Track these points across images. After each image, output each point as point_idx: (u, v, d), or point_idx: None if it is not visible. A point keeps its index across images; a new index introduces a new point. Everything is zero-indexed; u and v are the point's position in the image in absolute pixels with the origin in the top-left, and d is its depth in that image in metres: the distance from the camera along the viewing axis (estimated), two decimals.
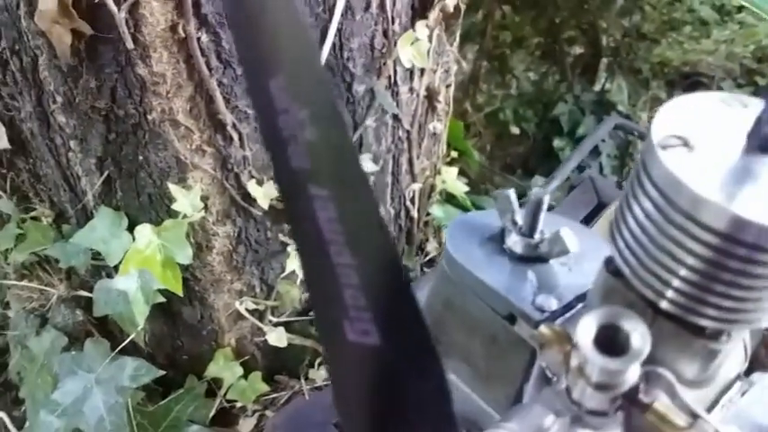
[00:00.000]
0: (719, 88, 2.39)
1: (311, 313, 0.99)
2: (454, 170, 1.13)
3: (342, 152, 0.22)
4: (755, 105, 0.23)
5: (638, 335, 0.22)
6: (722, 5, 2.47)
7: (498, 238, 0.34)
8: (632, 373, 0.24)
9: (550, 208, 1.07)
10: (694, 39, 2.52)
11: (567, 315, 0.30)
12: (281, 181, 0.22)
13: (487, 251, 0.33)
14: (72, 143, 0.81)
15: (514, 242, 0.33)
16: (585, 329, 0.23)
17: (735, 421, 0.27)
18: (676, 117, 0.24)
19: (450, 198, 1.18)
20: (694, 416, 0.25)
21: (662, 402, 0.25)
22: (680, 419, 0.25)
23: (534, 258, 0.33)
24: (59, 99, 0.77)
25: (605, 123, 1.16)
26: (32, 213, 0.95)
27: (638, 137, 1.23)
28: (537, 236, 0.33)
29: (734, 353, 0.29)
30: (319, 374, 1.02)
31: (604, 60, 2.37)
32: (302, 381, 1.03)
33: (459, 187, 1.13)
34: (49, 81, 0.76)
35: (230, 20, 0.23)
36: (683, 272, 0.23)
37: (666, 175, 0.22)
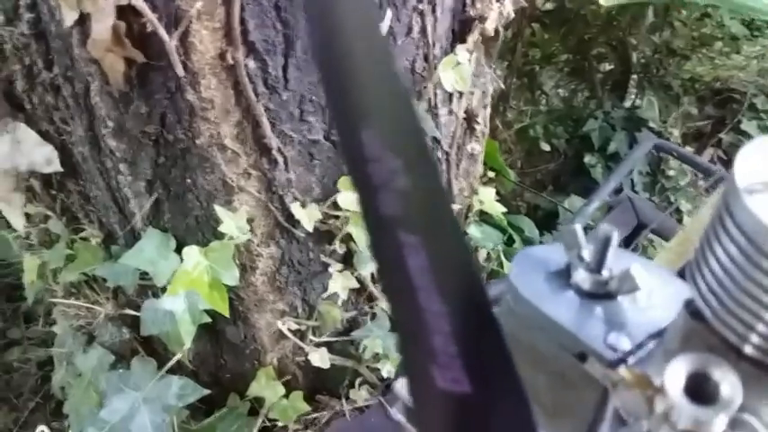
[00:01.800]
0: (751, 104, 2.36)
1: (352, 334, 1.00)
2: (492, 191, 1.13)
3: (434, 200, 0.22)
4: None
5: (729, 384, 0.23)
6: (752, 21, 2.44)
7: (565, 274, 0.34)
8: (720, 422, 0.24)
9: (589, 228, 1.06)
10: (725, 54, 2.50)
11: (640, 354, 0.30)
12: (371, 227, 0.22)
13: (554, 286, 0.34)
14: (122, 166, 0.83)
15: (582, 278, 0.33)
16: (675, 376, 0.23)
17: None
18: (760, 159, 0.24)
19: (486, 217, 1.18)
20: None
21: None
22: None
23: (602, 295, 0.33)
24: (110, 124, 0.79)
25: (642, 145, 1.15)
26: (82, 234, 0.97)
27: (676, 157, 1.22)
28: (605, 272, 0.33)
29: None
30: (360, 395, 1.03)
31: (634, 76, 2.36)
32: (343, 401, 1.03)
33: (497, 207, 1.13)
34: (100, 106, 0.78)
35: (322, 67, 0.23)
36: (767, 316, 0.23)
37: (754, 220, 0.22)
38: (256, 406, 1.02)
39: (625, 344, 0.31)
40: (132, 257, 0.87)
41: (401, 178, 0.21)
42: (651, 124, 2.25)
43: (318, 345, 0.99)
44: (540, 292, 0.34)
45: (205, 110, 0.74)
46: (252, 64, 0.72)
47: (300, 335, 0.99)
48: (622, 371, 0.27)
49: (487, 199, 1.11)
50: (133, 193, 0.86)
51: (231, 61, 0.71)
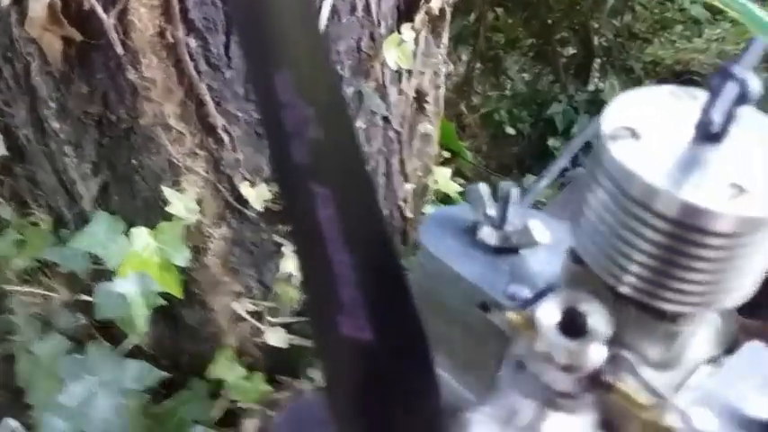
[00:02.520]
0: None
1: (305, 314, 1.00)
2: (447, 170, 1.14)
3: (347, 152, 0.22)
4: (703, 97, 0.24)
5: (598, 316, 0.24)
6: (713, 4, 2.47)
7: (471, 231, 0.35)
8: (596, 355, 0.25)
9: (540, 205, 1.08)
10: (686, 38, 2.53)
11: (539, 303, 0.31)
12: (281, 175, 0.22)
13: (461, 243, 0.35)
14: (66, 148, 0.82)
15: (487, 234, 0.34)
16: (548, 313, 0.24)
17: (704, 402, 0.28)
18: (626, 110, 0.25)
19: (444, 198, 1.19)
20: (657, 395, 0.26)
21: (626, 383, 0.26)
22: (643, 399, 0.26)
23: (507, 250, 0.34)
24: (52, 105, 0.78)
25: (595, 121, 1.17)
26: (31, 219, 0.96)
27: None
28: (509, 227, 0.34)
29: (701, 337, 0.30)
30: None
31: (597, 60, 2.38)
32: (304, 381, 1.04)
33: (453, 187, 1.14)
34: (41, 87, 0.77)
35: (236, 7, 0.22)
36: (639, 257, 0.24)
37: (617, 165, 0.23)
38: (217, 389, 1.02)
39: (524, 293, 0.32)
40: (82, 241, 0.87)
41: (313, 127, 0.21)
42: None
43: (276, 325, 0.99)
44: (447, 248, 0.35)
45: (147, 89, 0.73)
46: (193, 42, 0.72)
47: (258, 316, 0.99)
48: (510, 314, 0.28)
49: (443, 178, 1.12)
50: (79, 175, 0.85)
51: (171, 39, 0.71)
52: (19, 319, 1.12)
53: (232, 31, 0.72)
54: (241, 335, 1.02)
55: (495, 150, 2.35)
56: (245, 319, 0.98)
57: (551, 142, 2.21)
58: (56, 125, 0.80)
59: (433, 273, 0.35)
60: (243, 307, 0.98)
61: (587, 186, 0.26)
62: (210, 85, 0.75)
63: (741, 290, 0.25)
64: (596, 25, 2.33)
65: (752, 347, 0.30)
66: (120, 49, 0.69)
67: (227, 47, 0.73)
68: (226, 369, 1.01)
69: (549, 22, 2.32)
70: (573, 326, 0.24)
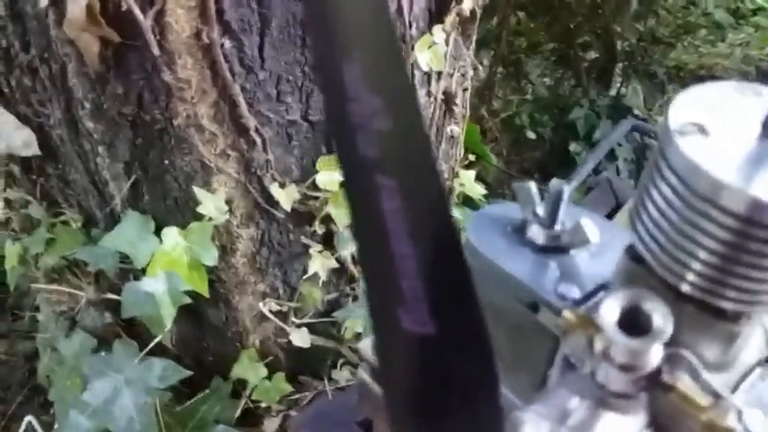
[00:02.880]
0: None
1: (333, 314, 1.00)
2: (472, 173, 1.14)
3: (414, 143, 0.21)
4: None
5: (660, 315, 0.23)
6: (737, 8, 2.45)
7: (520, 230, 0.35)
8: (655, 355, 0.25)
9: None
10: (710, 42, 2.51)
11: (590, 303, 0.31)
12: (346, 167, 0.21)
13: (509, 242, 0.35)
14: (100, 148, 0.83)
15: (536, 233, 0.34)
16: (609, 311, 0.24)
17: (756, 405, 0.27)
18: (692, 105, 0.25)
19: (467, 201, 1.19)
20: (717, 396, 0.26)
21: (685, 383, 0.26)
22: (702, 399, 0.26)
23: (556, 249, 0.34)
24: (87, 105, 0.79)
25: (621, 126, 1.17)
26: (62, 218, 0.97)
27: (654, 139, 1.23)
28: (558, 227, 0.34)
29: (754, 338, 0.30)
30: (342, 375, 1.03)
31: (619, 65, 2.37)
32: (325, 381, 1.04)
33: (477, 190, 1.14)
34: (77, 88, 0.78)
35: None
36: (703, 255, 0.24)
37: (685, 161, 0.23)
38: (239, 388, 1.02)
39: (575, 293, 0.32)
40: (112, 240, 0.87)
41: (381, 119, 0.20)
42: (636, 112, 2.26)
43: (300, 326, 0.99)
44: (495, 247, 0.35)
45: (182, 90, 0.74)
46: (228, 43, 0.73)
47: (282, 316, 0.99)
48: (566, 313, 0.28)
49: (468, 181, 1.12)
50: (112, 175, 0.86)
51: (207, 41, 0.71)
52: (44, 316, 1.14)
53: (266, 32, 0.72)
54: (264, 335, 1.03)
55: (516, 155, 2.35)
56: (269, 319, 0.99)
57: (573, 147, 2.20)
58: (90, 125, 0.81)
59: (481, 271, 0.35)
60: (268, 307, 0.98)
61: (649, 182, 0.26)
62: (244, 87, 0.75)
63: None
64: (619, 29, 2.31)
65: None
66: (156, 51, 0.70)
67: (261, 48, 0.73)
68: (248, 369, 1.02)
69: (571, 26, 2.31)
70: (634, 324, 0.24)
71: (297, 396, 1.05)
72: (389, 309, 0.21)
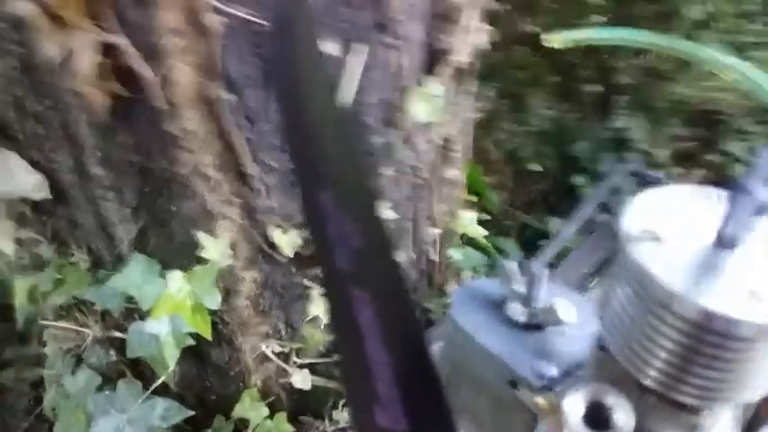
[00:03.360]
0: (738, 126, 2.39)
1: (335, 356, 1.02)
2: (473, 214, 1.16)
3: (383, 260, 0.24)
4: (723, 198, 0.26)
5: (622, 411, 0.25)
6: (741, 43, 2.47)
7: (500, 306, 0.37)
8: None
9: (568, 251, 1.08)
10: (712, 76, 2.52)
11: (563, 386, 0.32)
12: (327, 280, 0.24)
13: (490, 318, 0.36)
14: (108, 194, 0.86)
15: (515, 310, 0.36)
16: (573, 406, 0.25)
17: None
18: (647, 210, 0.27)
19: (470, 240, 1.21)
20: None
21: None
22: None
23: (534, 326, 0.36)
24: (96, 154, 0.82)
25: (617, 170, 1.18)
26: (71, 259, 0.99)
27: (654, 183, 1.24)
28: (536, 304, 0.36)
29: (722, 424, 0.31)
30: (342, 416, 1.04)
31: (622, 99, 2.39)
32: (326, 422, 1.05)
33: (478, 231, 1.16)
34: (86, 137, 0.81)
35: (287, 134, 0.25)
36: (661, 354, 0.26)
37: (638, 268, 0.25)
38: (241, 427, 1.04)
39: (552, 371, 0.33)
40: (119, 281, 0.90)
41: (353, 238, 0.23)
42: (639, 145, 2.28)
43: (302, 366, 1.01)
44: (475, 323, 0.36)
45: (187, 141, 0.77)
46: (232, 97, 0.75)
47: (284, 357, 1.01)
48: (538, 399, 0.29)
49: (469, 222, 1.14)
50: (119, 219, 0.88)
51: (212, 95, 0.74)
52: (51, 352, 1.15)
53: (269, 86, 0.75)
54: (266, 375, 1.04)
55: (519, 187, 2.36)
56: (271, 360, 1.00)
57: (576, 180, 2.21)
58: (99, 172, 0.83)
59: (463, 346, 0.36)
60: (270, 348, 1.00)
61: (612, 280, 0.28)
62: (248, 138, 0.78)
63: (759, 387, 0.26)
64: (620, 64, 2.34)
65: None
66: (163, 104, 0.72)
67: (264, 101, 0.76)
68: (250, 409, 1.03)
69: (574, 61, 2.34)
70: (598, 418, 0.26)
71: None
72: (366, 407, 0.23)
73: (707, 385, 0.26)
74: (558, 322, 0.34)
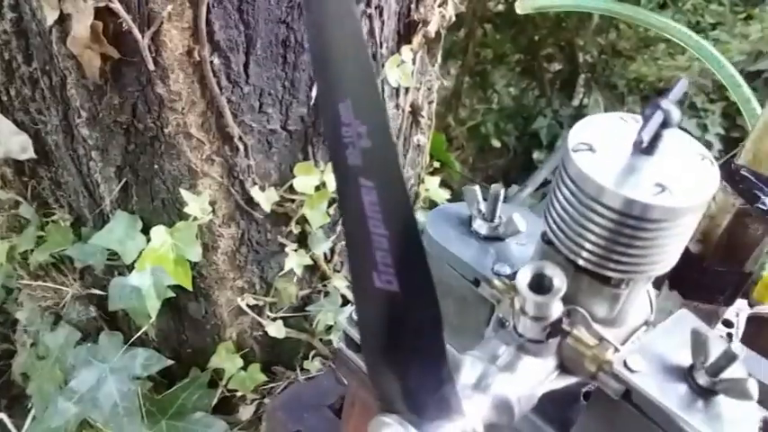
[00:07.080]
0: (692, 103, 2.51)
1: (307, 309, 1.08)
2: (436, 179, 1.23)
3: (387, 157, 0.29)
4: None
5: (558, 278, 0.32)
6: (697, 22, 2.56)
7: (467, 223, 0.44)
8: (557, 309, 0.34)
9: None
10: (669, 55, 2.62)
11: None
12: (338, 172, 0.30)
13: (458, 232, 0.43)
14: (93, 153, 0.90)
15: (479, 225, 0.43)
16: (522, 277, 0.33)
17: (638, 352, 0.37)
18: (586, 130, 0.34)
19: (433, 205, 1.28)
20: (601, 339, 0.35)
21: (578, 330, 0.35)
22: (590, 340, 0.35)
23: (494, 238, 0.43)
24: (84, 114, 0.86)
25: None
26: (52, 218, 1.03)
27: None
28: (496, 220, 0.43)
29: (638, 304, 0.39)
30: (313, 366, 1.11)
31: (582, 76, 2.48)
32: (297, 371, 1.12)
33: (441, 195, 1.23)
34: (75, 98, 0.85)
35: (314, 57, 0.29)
36: (592, 238, 0.33)
37: (577, 170, 0.32)
38: (216, 377, 1.10)
39: (507, 270, 0.41)
40: (102, 238, 0.94)
41: (365, 139, 0.29)
42: None
43: (275, 319, 1.07)
44: (447, 236, 0.44)
45: (173, 101, 0.82)
46: (216, 60, 0.80)
47: (258, 310, 1.07)
48: (496, 282, 0.37)
49: (433, 187, 1.22)
50: (103, 178, 0.93)
51: (198, 58, 0.79)
52: (28, 312, 1.19)
53: (251, 51, 0.80)
54: (241, 328, 1.10)
55: (481, 162, 2.45)
56: (246, 313, 1.06)
57: (536, 155, 2.30)
58: (85, 132, 0.88)
59: (435, 255, 0.43)
60: (245, 301, 1.06)
61: (554, 185, 0.35)
62: (230, 99, 0.83)
63: (665, 262, 0.34)
64: (581, 42, 2.41)
65: (681, 314, 0.40)
66: (151, 66, 0.77)
67: (246, 65, 0.81)
68: (225, 360, 1.09)
69: (536, 38, 2.40)
70: (540, 286, 0.33)
71: (271, 385, 1.12)
72: (366, 271, 0.30)
73: (627, 261, 0.33)
74: (515, 232, 0.41)
